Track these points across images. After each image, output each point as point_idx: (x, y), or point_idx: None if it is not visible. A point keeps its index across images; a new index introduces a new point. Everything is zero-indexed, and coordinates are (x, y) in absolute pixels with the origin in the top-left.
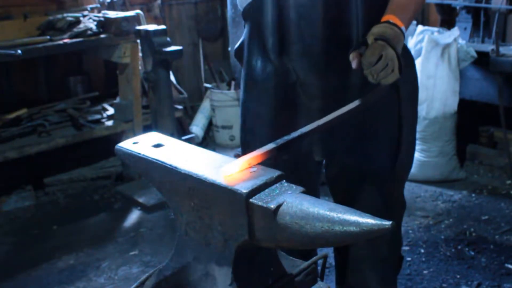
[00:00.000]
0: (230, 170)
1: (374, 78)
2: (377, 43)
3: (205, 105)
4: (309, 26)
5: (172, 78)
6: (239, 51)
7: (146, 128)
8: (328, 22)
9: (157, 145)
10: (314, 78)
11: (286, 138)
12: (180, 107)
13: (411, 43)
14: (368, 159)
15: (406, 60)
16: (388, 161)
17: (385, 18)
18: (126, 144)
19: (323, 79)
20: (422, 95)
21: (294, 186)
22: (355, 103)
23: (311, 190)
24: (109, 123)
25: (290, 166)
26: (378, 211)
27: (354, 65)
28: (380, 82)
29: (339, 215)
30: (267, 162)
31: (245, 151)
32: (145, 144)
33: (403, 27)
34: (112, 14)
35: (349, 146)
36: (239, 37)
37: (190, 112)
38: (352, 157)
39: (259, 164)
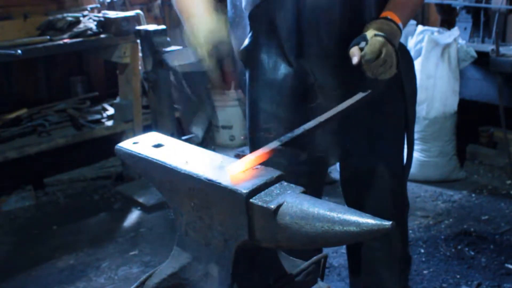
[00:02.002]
0: (236, 169)
1: (373, 73)
2: (377, 40)
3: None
4: (327, 28)
5: (172, 78)
6: (245, 52)
7: (146, 128)
8: (346, 24)
9: (157, 145)
10: (332, 79)
11: (290, 135)
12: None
13: (411, 43)
14: (381, 160)
15: (407, 62)
16: (398, 161)
17: (383, 14)
18: (126, 144)
19: (341, 80)
20: (422, 95)
21: (294, 186)
22: (355, 98)
23: (315, 191)
24: (109, 123)
25: (304, 170)
26: (391, 211)
27: (354, 61)
28: (377, 78)
29: (339, 215)
30: (280, 164)
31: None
32: (145, 144)
33: (400, 24)
34: (112, 14)
35: (362, 148)
36: (239, 37)
37: None
38: (365, 159)
39: (263, 163)
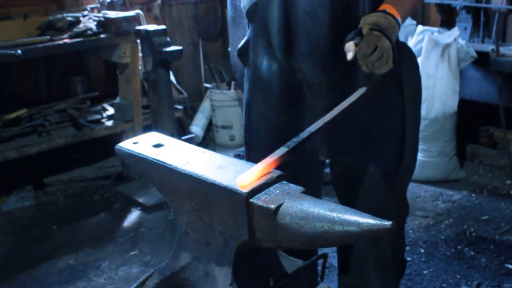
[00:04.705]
0: (247, 179)
1: (369, 68)
2: (373, 34)
3: (205, 105)
4: (316, 25)
5: (172, 78)
6: (243, 50)
7: (146, 128)
8: (336, 21)
9: (157, 145)
10: (321, 77)
11: (297, 139)
12: (180, 107)
13: (411, 43)
14: (373, 158)
15: (410, 63)
16: (392, 162)
17: (382, 7)
18: (126, 144)
19: (330, 78)
20: (422, 95)
21: (294, 186)
22: (355, 95)
23: (313, 190)
24: (109, 123)
25: (293, 166)
26: (381, 212)
27: (349, 56)
28: (373, 72)
29: (339, 215)
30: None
31: (249, 151)
32: (145, 144)
33: (399, 18)
34: (112, 14)
35: (354, 145)
36: (239, 37)
37: (190, 112)
38: (356, 157)
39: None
